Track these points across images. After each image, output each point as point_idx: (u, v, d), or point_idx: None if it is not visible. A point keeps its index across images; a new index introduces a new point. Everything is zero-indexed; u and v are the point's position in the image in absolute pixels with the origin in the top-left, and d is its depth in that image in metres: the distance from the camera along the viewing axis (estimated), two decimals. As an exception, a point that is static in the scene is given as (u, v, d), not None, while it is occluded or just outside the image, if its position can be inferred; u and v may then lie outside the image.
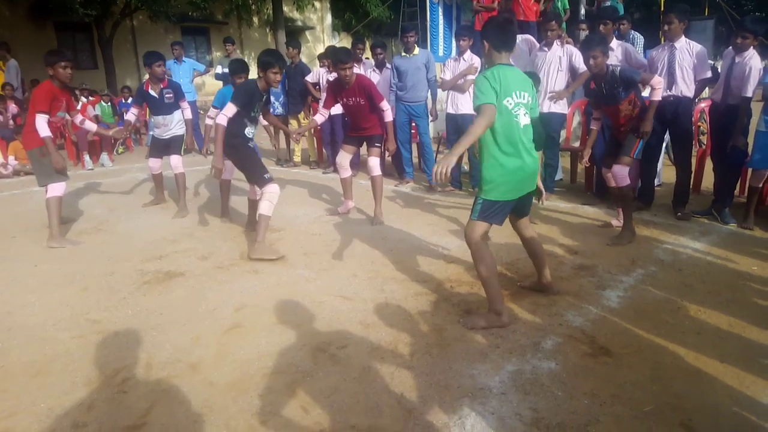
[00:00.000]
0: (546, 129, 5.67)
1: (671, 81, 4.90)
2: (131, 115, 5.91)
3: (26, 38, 16.64)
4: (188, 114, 5.83)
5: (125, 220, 5.50)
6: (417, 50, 6.55)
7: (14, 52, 16.61)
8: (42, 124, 4.53)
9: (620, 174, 4.31)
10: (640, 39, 7.61)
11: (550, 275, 3.45)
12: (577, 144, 6.71)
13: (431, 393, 2.42)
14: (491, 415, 2.25)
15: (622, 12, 8.75)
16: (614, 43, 5.37)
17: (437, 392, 2.42)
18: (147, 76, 5.71)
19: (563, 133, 6.48)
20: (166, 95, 5.66)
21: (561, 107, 5.65)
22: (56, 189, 4.75)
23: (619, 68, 4.22)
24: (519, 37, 5.89)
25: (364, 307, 3.32)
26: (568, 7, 8.94)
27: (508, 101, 2.90)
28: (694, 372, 2.55)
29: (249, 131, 4.50)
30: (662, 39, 8.55)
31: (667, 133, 5.22)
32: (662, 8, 10.26)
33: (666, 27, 4.94)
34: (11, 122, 9.40)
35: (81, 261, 4.30)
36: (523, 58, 5.78)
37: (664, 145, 5.70)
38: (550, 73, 5.56)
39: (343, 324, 3.12)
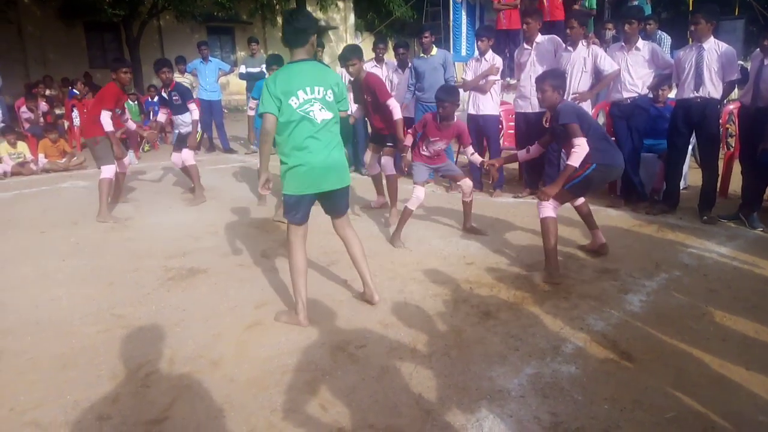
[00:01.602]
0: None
1: (699, 82, 4.81)
2: (162, 116, 6.58)
3: (56, 38, 17.07)
4: (195, 115, 6.08)
5: (150, 217, 5.60)
6: (435, 51, 6.54)
7: (45, 50, 17.09)
8: (107, 120, 5.29)
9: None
10: (667, 39, 7.50)
11: (372, 286, 3.32)
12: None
13: (449, 394, 2.42)
14: (509, 417, 2.25)
15: (649, 11, 8.64)
16: (640, 43, 5.29)
17: (455, 393, 2.42)
18: None
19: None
20: (174, 98, 6.10)
21: (586, 107, 5.58)
22: (107, 171, 5.43)
23: (561, 105, 3.84)
24: (543, 38, 5.84)
25: (383, 307, 3.33)
26: (595, 6, 8.84)
27: (293, 100, 2.91)
28: (718, 379, 2.51)
29: None
30: (690, 39, 8.42)
31: (694, 135, 5.13)
32: (691, 8, 10.07)
33: (693, 27, 4.85)
34: (41, 120, 9.63)
35: (107, 256, 4.40)
36: (548, 59, 5.72)
37: (690, 147, 5.60)
38: (574, 74, 5.50)
39: (363, 323, 3.13)
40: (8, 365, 2.77)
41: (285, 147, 3.01)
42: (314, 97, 2.96)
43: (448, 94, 4.46)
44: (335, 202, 3.23)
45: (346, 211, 3.35)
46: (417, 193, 4.55)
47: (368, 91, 4.97)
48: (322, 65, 3.18)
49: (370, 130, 7.38)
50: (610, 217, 5.19)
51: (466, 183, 4.68)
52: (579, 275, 3.77)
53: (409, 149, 4.74)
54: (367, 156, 5.37)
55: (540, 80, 3.92)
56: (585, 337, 2.91)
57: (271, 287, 3.70)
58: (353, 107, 5.48)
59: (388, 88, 6.60)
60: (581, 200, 4.15)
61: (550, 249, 3.71)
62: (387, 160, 5.18)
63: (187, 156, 6.14)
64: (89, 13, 15.89)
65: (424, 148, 4.62)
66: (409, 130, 4.83)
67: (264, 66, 6.40)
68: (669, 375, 2.54)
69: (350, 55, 4.84)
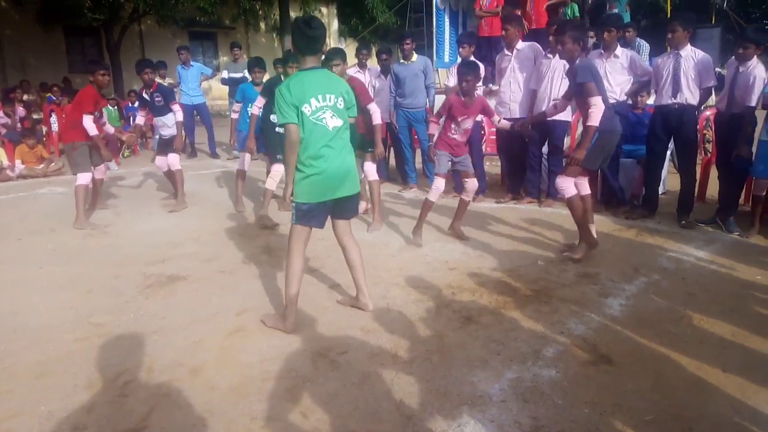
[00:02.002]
0: (550, 137, 5.71)
1: (676, 89, 4.89)
2: (140, 119, 6.46)
3: (35, 42, 16.83)
4: (179, 116, 6.00)
5: (130, 223, 5.53)
6: (415, 57, 6.58)
7: (23, 55, 16.84)
8: (90, 124, 5.22)
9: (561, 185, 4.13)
10: (645, 47, 7.62)
11: (367, 294, 3.31)
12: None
13: (431, 400, 2.42)
14: (490, 422, 2.25)
15: (628, 19, 8.77)
16: (619, 50, 5.37)
17: (437, 399, 2.42)
18: None
19: (567, 141, 6.48)
20: (156, 99, 5.99)
21: (565, 115, 5.63)
22: (83, 178, 5.33)
23: (580, 61, 4.05)
24: (524, 44, 5.90)
25: (365, 313, 3.31)
26: (578, 14, 8.94)
27: (306, 108, 2.91)
28: (695, 381, 2.54)
29: (275, 118, 5.05)
30: (668, 47, 8.57)
31: (672, 140, 5.21)
32: (668, 15, 10.26)
33: (670, 35, 4.94)
34: (18, 125, 9.48)
35: (86, 263, 4.33)
36: (527, 66, 5.78)
37: (668, 152, 5.69)
38: (554, 81, 5.56)
39: (344, 329, 3.12)
40: (-19, 375, 2.71)
41: (301, 156, 2.97)
42: (326, 104, 2.96)
43: (471, 69, 4.57)
44: (345, 208, 3.21)
45: (354, 216, 3.35)
46: (437, 184, 4.61)
47: None
48: (332, 73, 3.19)
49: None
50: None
51: (473, 182, 4.72)
52: (560, 279, 3.80)
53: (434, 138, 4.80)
54: None
55: (560, 32, 4.05)
56: (566, 341, 2.93)
57: (252, 294, 3.67)
58: None
59: (371, 94, 6.62)
60: (587, 191, 4.30)
61: (580, 221, 4.11)
62: (369, 166, 5.18)
63: (173, 160, 6.02)
64: (69, 18, 15.70)
65: (453, 131, 4.62)
66: (432, 118, 4.88)
67: (246, 71, 6.41)
68: (648, 378, 2.57)
69: (334, 57, 4.84)
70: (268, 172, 5.59)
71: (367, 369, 2.68)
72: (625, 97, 5.48)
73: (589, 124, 3.88)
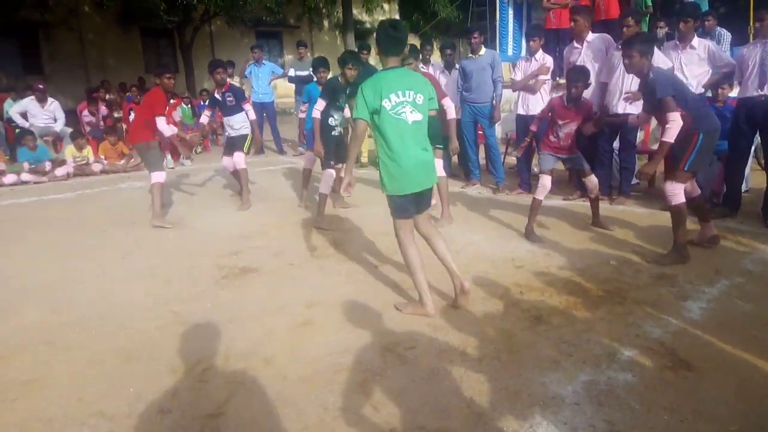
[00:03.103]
0: (621, 131, 5.50)
1: (763, 80, 4.60)
2: (204, 118, 6.66)
3: (114, 43, 17.80)
4: (251, 115, 6.13)
5: (203, 217, 5.77)
6: (483, 51, 6.49)
7: (104, 56, 17.86)
8: (164, 126, 5.40)
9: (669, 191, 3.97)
10: (726, 36, 7.20)
11: (459, 275, 3.27)
12: (656, 146, 6.41)
13: (501, 399, 2.40)
14: (563, 425, 2.21)
15: (706, 8, 8.30)
16: (696, 41, 5.11)
17: (507, 398, 2.40)
18: None
19: (640, 135, 6.23)
20: (228, 99, 6.08)
21: (638, 108, 5.40)
22: (158, 177, 5.46)
23: (653, 74, 3.85)
24: (594, 36, 5.71)
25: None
26: (650, 4, 8.56)
27: (386, 102, 3.05)
28: (786, 392, 2.39)
29: (332, 120, 5.27)
30: (751, 36, 8.05)
31: (757, 135, 4.90)
32: (751, 1, 9.61)
33: (758, 24, 4.65)
34: (101, 123, 10.07)
35: (163, 254, 4.56)
36: (599, 58, 5.58)
37: (752, 148, 5.35)
38: (625, 73, 5.33)
39: (411, 325, 3.14)
40: (76, 357, 2.91)
41: (383, 148, 3.15)
42: (405, 99, 3.09)
43: (581, 74, 4.52)
44: (422, 200, 3.31)
45: (428, 208, 3.43)
46: (543, 182, 4.60)
47: None
48: (411, 71, 3.32)
49: None
50: (666, 220, 5.00)
51: (591, 180, 4.71)
52: (634, 280, 3.67)
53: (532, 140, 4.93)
54: None
55: (627, 46, 3.91)
56: (641, 344, 2.82)
57: (320, 287, 3.75)
58: None
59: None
60: (698, 191, 4.16)
61: (681, 234, 3.89)
62: (437, 162, 5.17)
63: (238, 159, 6.14)
64: (145, 20, 16.50)
65: (553, 135, 4.61)
66: (532, 125, 4.93)
67: (312, 69, 6.52)
68: (731, 385, 2.44)
69: (408, 55, 4.86)
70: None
71: (435, 365, 2.69)
72: (703, 90, 5.20)
73: (663, 140, 3.71)
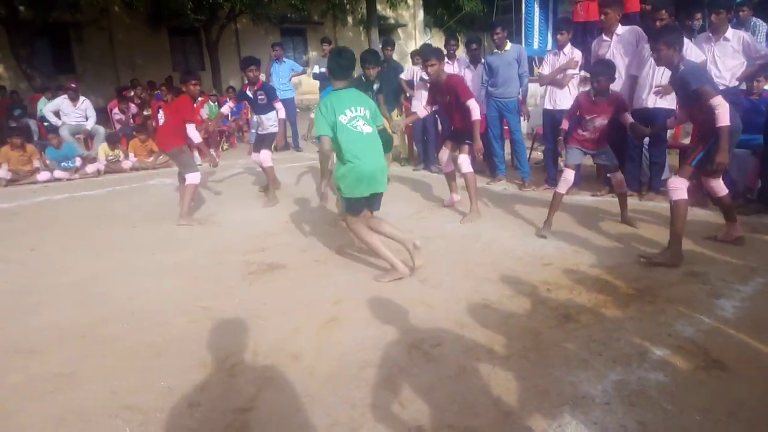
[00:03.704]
0: (652, 126, 5.37)
1: (801, 72, 4.45)
2: (226, 108, 6.79)
3: (143, 43, 18.13)
4: (281, 114, 6.13)
5: (231, 213, 5.85)
6: (508, 45, 6.42)
7: (133, 55, 18.20)
8: (194, 133, 5.49)
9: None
10: (763, 26, 6.98)
11: (413, 244, 3.82)
12: (687, 141, 6.27)
13: (529, 397, 2.38)
14: (594, 425, 2.18)
15: (741, -2, 8.05)
16: (729, 32, 4.97)
17: (536, 397, 2.38)
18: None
19: (671, 130, 6.09)
20: (259, 96, 6.12)
21: (668, 102, 5.29)
22: (193, 178, 5.54)
23: (684, 66, 3.78)
24: (624, 28, 5.59)
25: (457, 307, 3.31)
26: None
27: (342, 117, 3.62)
28: (825, 394, 2.32)
29: None
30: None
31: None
32: (789, -10, 9.29)
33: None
34: (131, 121, 10.27)
35: (192, 251, 4.64)
36: (629, 51, 5.47)
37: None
38: (656, 67, 5.22)
39: (437, 322, 3.13)
40: (109, 351, 2.98)
41: (341, 158, 3.68)
42: (357, 114, 3.68)
43: (605, 67, 4.50)
44: (374, 201, 3.89)
45: (378, 209, 4.01)
46: (566, 176, 4.57)
47: (449, 92, 4.95)
48: (358, 92, 3.85)
49: (440, 128, 7.39)
50: (697, 216, 4.90)
51: (616, 176, 4.68)
52: (665, 278, 3.59)
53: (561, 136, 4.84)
54: (444, 154, 5.36)
55: (654, 39, 3.86)
56: (673, 344, 2.77)
57: (346, 284, 3.77)
58: (420, 106, 5.67)
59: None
60: (725, 191, 4.03)
61: (678, 232, 3.76)
62: (464, 158, 5.15)
63: (264, 157, 6.21)
64: (173, 19, 16.75)
65: (582, 128, 4.58)
66: (565, 116, 4.91)
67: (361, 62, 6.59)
68: (766, 386, 2.38)
69: (430, 56, 4.86)
70: None
71: (462, 363, 2.68)
72: (737, 83, 5.06)
73: (720, 125, 3.59)
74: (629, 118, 4.56)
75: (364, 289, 3.65)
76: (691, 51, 5.04)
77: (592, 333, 2.91)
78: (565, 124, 4.81)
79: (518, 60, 6.43)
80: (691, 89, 3.66)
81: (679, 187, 3.77)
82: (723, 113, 3.57)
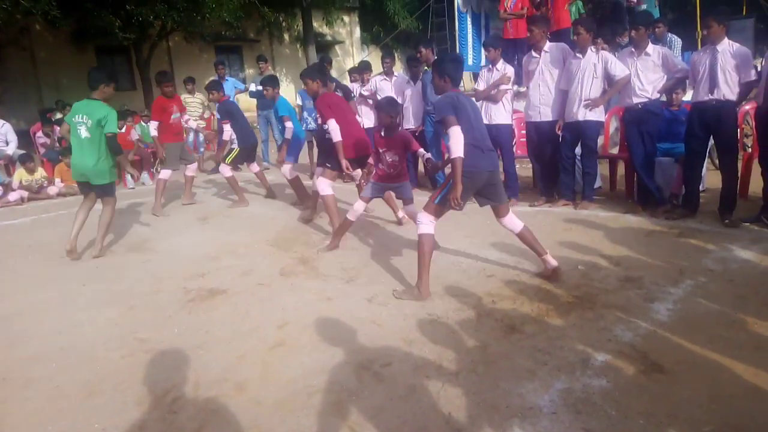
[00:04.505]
0: (583, 137, 5.61)
1: (713, 85, 4.76)
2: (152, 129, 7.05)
3: (68, 62, 17.30)
4: (226, 135, 6.63)
5: (167, 238, 5.62)
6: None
7: (57, 75, 17.36)
8: (153, 127, 6.77)
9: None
10: (677, 42, 7.45)
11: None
12: (615, 150, 6.58)
13: (479, 412, 2.38)
14: (543, 435, 2.21)
15: (657, 15, 8.59)
16: (650, 48, 5.26)
17: (486, 412, 2.39)
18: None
19: (601, 140, 6.37)
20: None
21: (597, 115, 5.55)
22: (164, 174, 6.66)
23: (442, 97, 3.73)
24: (552, 45, 5.82)
25: (405, 324, 3.30)
26: (583, 11, 8.79)
27: (74, 119, 4.92)
28: (754, 390, 2.45)
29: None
30: (699, 41, 8.36)
31: (711, 138, 5.07)
32: (698, 8, 10.01)
33: (705, 32, 4.82)
34: (57, 144, 9.75)
35: (127, 280, 4.41)
36: (557, 67, 5.70)
37: (707, 149, 5.53)
38: (585, 80, 5.46)
39: (386, 340, 3.10)
40: (36, 393, 2.77)
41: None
42: (81, 121, 4.87)
43: (387, 104, 4.65)
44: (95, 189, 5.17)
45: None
46: (356, 206, 4.76)
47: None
48: (96, 102, 4.95)
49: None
50: (629, 223, 5.13)
51: (410, 209, 4.81)
52: (602, 285, 3.72)
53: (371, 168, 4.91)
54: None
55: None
56: (614, 349, 2.86)
57: (291, 306, 3.68)
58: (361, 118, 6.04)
59: (400, 101, 6.64)
60: (520, 226, 3.87)
61: (425, 264, 3.66)
62: (321, 180, 5.29)
63: (223, 169, 6.80)
64: (100, 37, 16.09)
65: (381, 164, 4.70)
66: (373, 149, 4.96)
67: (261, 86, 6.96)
68: (703, 386, 2.49)
69: (305, 77, 5.37)
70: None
71: (412, 381, 2.65)
72: (659, 95, 5.37)
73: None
74: (424, 153, 4.70)
75: (310, 311, 3.57)
76: (615, 66, 5.32)
77: (537, 343, 2.97)
78: (371, 160, 4.89)
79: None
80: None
81: (426, 222, 3.70)
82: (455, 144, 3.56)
